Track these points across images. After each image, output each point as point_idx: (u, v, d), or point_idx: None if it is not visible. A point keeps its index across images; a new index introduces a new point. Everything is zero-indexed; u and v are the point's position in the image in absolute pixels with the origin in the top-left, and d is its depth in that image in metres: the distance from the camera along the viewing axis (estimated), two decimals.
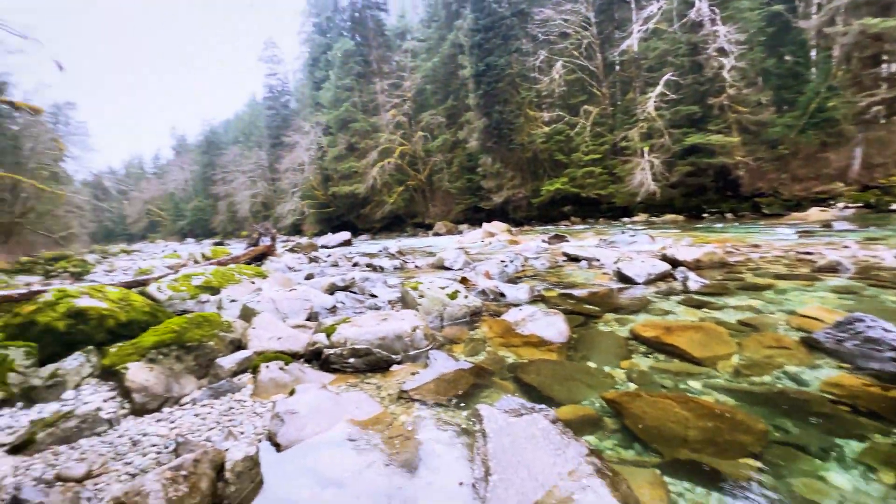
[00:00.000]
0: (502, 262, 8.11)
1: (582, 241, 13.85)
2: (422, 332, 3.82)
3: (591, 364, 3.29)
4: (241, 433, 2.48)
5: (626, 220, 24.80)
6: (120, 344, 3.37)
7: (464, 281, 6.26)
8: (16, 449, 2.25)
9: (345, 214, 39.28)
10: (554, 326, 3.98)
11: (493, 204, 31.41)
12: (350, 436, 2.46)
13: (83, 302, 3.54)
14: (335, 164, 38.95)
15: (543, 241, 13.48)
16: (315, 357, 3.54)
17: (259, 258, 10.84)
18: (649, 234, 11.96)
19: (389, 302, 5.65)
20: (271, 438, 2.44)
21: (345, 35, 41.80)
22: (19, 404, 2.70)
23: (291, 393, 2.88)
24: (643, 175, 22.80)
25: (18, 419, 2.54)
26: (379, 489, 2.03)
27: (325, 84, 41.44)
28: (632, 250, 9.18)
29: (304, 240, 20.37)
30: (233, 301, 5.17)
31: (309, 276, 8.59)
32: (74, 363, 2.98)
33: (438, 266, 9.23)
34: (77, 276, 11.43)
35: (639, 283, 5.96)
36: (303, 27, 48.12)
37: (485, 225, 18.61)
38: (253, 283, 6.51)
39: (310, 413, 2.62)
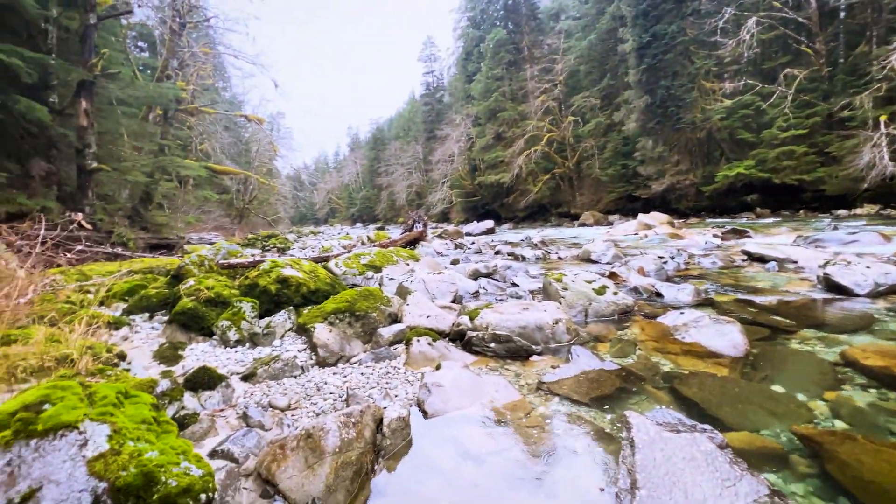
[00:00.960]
0: (660, 258, 7.23)
1: (770, 237, 11.32)
2: (564, 326, 3.70)
3: (778, 388, 2.70)
4: (396, 396, 2.81)
5: (841, 212, 19.20)
6: (309, 307, 4.16)
7: (613, 276, 5.80)
8: (244, 378, 3.01)
9: (489, 203, 40.30)
10: (726, 336, 3.39)
11: (651, 192, 27.98)
12: (489, 417, 2.56)
13: (287, 271, 4.47)
14: (482, 154, 40.10)
15: (716, 235, 11.49)
16: (459, 337, 3.76)
17: (412, 243, 11.96)
18: (880, 233, 9.03)
19: (531, 292, 5.61)
20: (420, 405, 2.70)
21: (497, 25, 42.20)
22: (247, 345, 3.59)
23: (438, 367, 3.14)
24: (875, 154, 17.20)
25: (246, 356, 3.38)
26: (515, 474, 2.07)
27: (477, 76, 42.69)
28: (849, 252, 7.11)
29: (450, 227, 21.68)
30: (391, 279, 5.84)
31: (455, 262, 9.10)
32: (280, 319, 3.81)
33: (584, 259, 8.73)
34: (282, 251, 14.52)
35: (859, 295, 4.60)
36: (458, 23, 50.33)
37: (640, 216, 16.75)
38: (407, 264, 7.24)
39: (453, 389, 2.81)
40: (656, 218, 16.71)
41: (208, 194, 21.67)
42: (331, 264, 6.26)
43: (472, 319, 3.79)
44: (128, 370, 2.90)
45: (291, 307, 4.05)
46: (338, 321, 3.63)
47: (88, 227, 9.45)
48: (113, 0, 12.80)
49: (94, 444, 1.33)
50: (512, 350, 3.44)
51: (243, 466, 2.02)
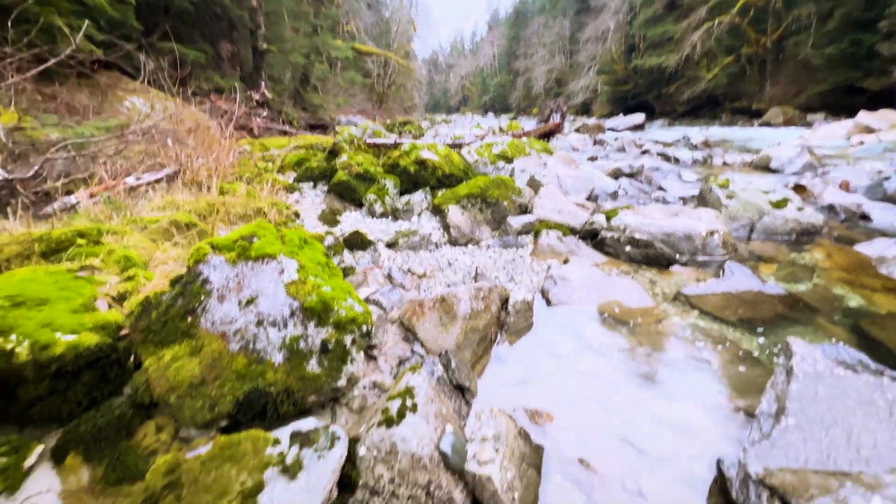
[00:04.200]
0: (879, 172, 5.50)
1: None
2: (719, 239, 3.22)
3: None
4: (521, 282, 2.91)
5: None
6: (443, 190, 4.34)
7: (799, 189, 4.68)
8: (388, 245, 3.41)
9: (643, 93, 34.23)
10: None
11: (887, 82, 20.36)
12: (616, 317, 2.50)
13: (424, 154, 4.64)
14: (645, 28, 32.96)
15: None
16: (590, 236, 3.59)
17: (547, 135, 11.17)
18: None
19: (681, 199, 4.91)
20: (544, 294, 2.76)
21: None
22: (389, 218, 4.00)
23: (565, 262, 3.10)
24: None
25: (389, 227, 3.79)
26: (637, 372, 2.06)
27: None
28: None
29: (591, 121, 19.42)
30: (522, 171, 5.66)
31: (592, 159, 8.33)
32: (418, 198, 4.08)
33: (760, 166, 7.14)
34: (416, 138, 15.09)
35: None
36: None
37: (861, 115, 12.55)
38: (540, 157, 6.87)
39: (580, 284, 2.78)
40: (886, 119, 12.32)
41: (354, 76, 22.80)
42: (463, 151, 6.28)
43: (608, 219, 3.53)
44: (301, 226, 3.51)
45: (428, 188, 4.28)
46: (470, 206, 3.74)
47: (265, 105, 10.95)
48: None
49: (288, 273, 1.69)
50: (650, 256, 3.18)
51: (389, 315, 2.39)
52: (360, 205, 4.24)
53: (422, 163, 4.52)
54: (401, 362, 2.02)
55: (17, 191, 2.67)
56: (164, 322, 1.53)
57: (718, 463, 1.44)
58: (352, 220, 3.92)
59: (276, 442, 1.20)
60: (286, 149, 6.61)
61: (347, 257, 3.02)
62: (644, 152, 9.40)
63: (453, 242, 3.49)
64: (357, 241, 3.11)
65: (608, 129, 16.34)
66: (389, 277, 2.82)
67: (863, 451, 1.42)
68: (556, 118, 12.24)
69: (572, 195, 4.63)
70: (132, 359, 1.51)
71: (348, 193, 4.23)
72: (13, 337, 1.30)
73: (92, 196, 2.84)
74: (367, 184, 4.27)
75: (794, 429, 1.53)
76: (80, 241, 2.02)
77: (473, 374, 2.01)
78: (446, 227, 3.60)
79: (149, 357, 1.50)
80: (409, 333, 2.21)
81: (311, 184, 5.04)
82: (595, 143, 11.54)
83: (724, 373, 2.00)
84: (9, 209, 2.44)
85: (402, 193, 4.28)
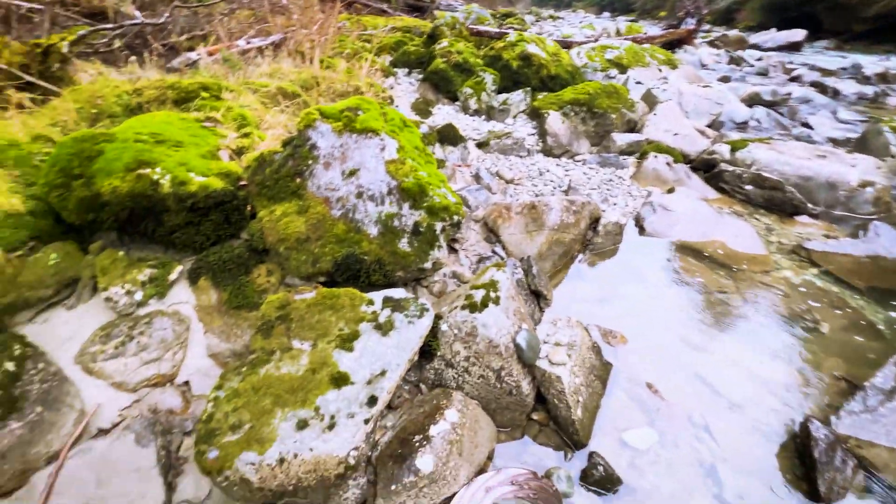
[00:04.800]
0: None
1: None
2: (873, 193, 2.67)
3: None
4: (615, 204, 2.70)
5: None
6: (545, 93, 3.96)
7: None
8: (479, 145, 3.28)
9: (807, 2, 27.07)
10: None
11: None
12: (716, 259, 2.28)
13: (531, 48, 4.17)
14: None
15: None
16: (705, 168, 3.16)
17: (673, 45, 9.47)
18: None
19: (830, 139, 4.06)
20: (638, 221, 2.56)
21: None
22: (483, 117, 3.79)
23: (670, 191, 2.80)
24: None
25: (482, 126, 3.61)
26: (727, 319, 1.91)
27: None
28: None
29: (732, 32, 15.99)
30: (638, 83, 4.95)
31: (724, 79, 7.04)
32: (517, 98, 3.78)
33: None
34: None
35: None
36: None
37: None
38: (660, 70, 5.92)
39: (682, 216, 2.53)
40: None
41: None
42: (572, 53, 5.56)
43: (733, 150, 3.05)
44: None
45: (528, 89, 3.93)
46: (572, 114, 3.40)
47: None
48: None
49: (389, 151, 1.69)
50: (774, 200, 2.75)
51: (473, 213, 2.38)
52: (454, 98, 4.04)
53: (526, 58, 4.09)
54: (480, 260, 2.05)
55: (149, 41, 2.86)
56: (276, 179, 1.64)
57: (806, 421, 1.36)
58: (444, 114, 3.78)
59: (370, 302, 1.30)
60: (383, 29, 6.30)
61: (438, 151, 2.96)
62: (793, 79, 7.72)
63: (547, 152, 3.27)
64: (449, 135, 3.01)
65: (751, 46, 13.43)
66: (477, 177, 2.76)
67: None
68: (689, 24, 10.24)
69: (692, 118, 4.02)
70: (249, 208, 1.67)
71: (444, 84, 4.02)
72: (158, 170, 1.47)
73: (210, 54, 2.97)
74: (465, 76, 4.00)
75: None
76: (203, 94, 2.15)
77: (550, 284, 1.99)
78: (542, 134, 3.35)
79: (262, 209, 1.64)
80: (492, 235, 2.21)
81: (406, 70, 4.84)
82: (731, 61, 9.65)
83: (835, 338, 1.79)
84: (145, 56, 2.64)
85: (499, 91, 3.98)
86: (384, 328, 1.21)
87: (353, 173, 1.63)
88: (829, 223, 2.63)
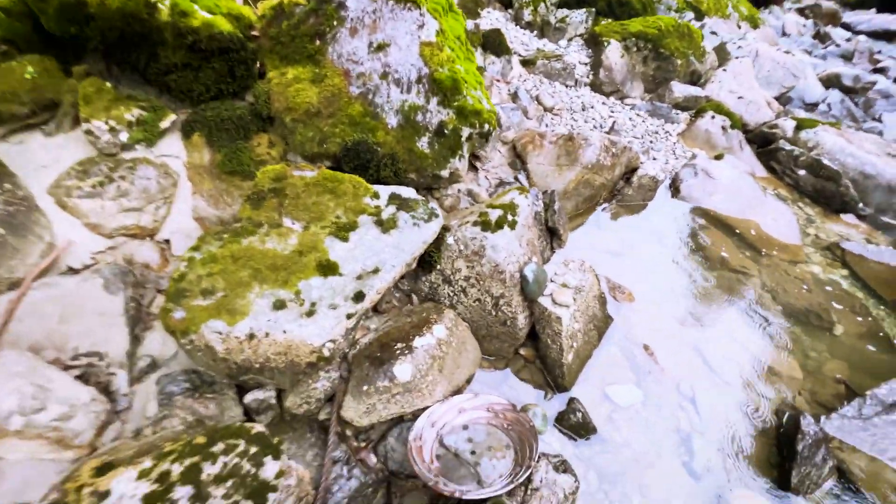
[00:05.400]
0: None
1: None
2: None
3: None
4: (654, 159, 2.47)
5: None
6: (608, 20, 3.49)
7: None
8: (524, 62, 2.93)
9: None
10: None
11: None
12: (747, 237, 2.12)
13: None
14: None
15: None
16: (761, 141, 2.87)
17: (759, 1, 8.38)
18: None
19: None
20: (674, 182, 2.35)
21: None
22: (535, 32, 3.37)
23: (718, 157, 2.55)
24: None
25: (531, 42, 3.21)
26: (742, 300, 1.80)
27: None
28: None
29: (827, 4, 14.17)
30: (713, 33, 4.39)
31: (805, 52, 6.32)
32: (578, 18, 3.32)
33: None
34: None
35: None
36: None
37: None
38: (739, 27, 5.28)
39: (723, 186, 2.32)
40: None
41: None
42: None
43: (798, 129, 2.75)
44: None
45: (592, 10, 3.45)
46: (635, 49, 3.01)
47: None
48: None
49: (427, 31, 1.44)
50: (824, 192, 2.53)
51: (503, 134, 2.16)
52: (507, 5, 3.56)
53: None
54: (500, 184, 1.88)
55: None
56: (292, 37, 1.41)
57: (798, 414, 1.30)
58: (492, 20, 3.34)
59: (376, 195, 1.17)
60: None
61: (478, 57, 2.64)
62: (877, 70, 6.94)
63: (596, 87, 2.94)
64: (494, 43, 2.67)
65: (842, 25, 11.97)
66: (514, 96, 2.49)
67: None
68: None
69: (763, 87, 3.60)
70: (257, 66, 1.46)
71: None
72: None
73: None
74: None
75: None
76: None
77: (568, 226, 1.85)
78: (596, 66, 2.99)
79: (272, 70, 1.43)
80: (518, 160, 2.01)
81: None
82: (816, 35, 8.62)
83: (846, 342, 1.71)
84: None
85: (560, 6, 3.50)
86: (386, 225, 1.08)
87: (381, 48, 1.40)
88: (873, 228, 2.44)
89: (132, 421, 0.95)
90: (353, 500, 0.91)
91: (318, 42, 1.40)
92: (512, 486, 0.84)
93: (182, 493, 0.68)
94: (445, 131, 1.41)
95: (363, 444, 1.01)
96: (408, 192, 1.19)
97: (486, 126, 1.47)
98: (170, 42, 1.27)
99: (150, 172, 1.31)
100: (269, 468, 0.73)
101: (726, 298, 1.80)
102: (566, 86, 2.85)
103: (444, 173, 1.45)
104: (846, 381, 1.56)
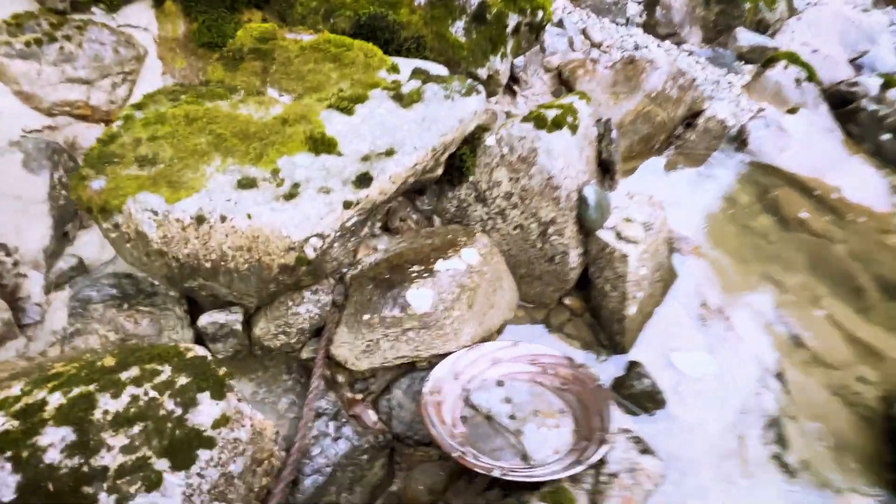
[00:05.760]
0: None
1: None
2: None
3: None
4: (715, 109, 2.11)
5: None
6: None
7: None
8: None
9: None
10: None
11: None
12: (828, 200, 1.79)
13: None
14: None
15: None
16: (837, 101, 2.48)
17: None
18: None
19: None
20: (741, 133, 2.00)
21: None
22: None
23: (792, 111, 2.18)
24: None
25: None
26: (823, 266, 1.49)
27: None
28: None
29: None
30: None
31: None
32: None
33: None
34: None
35: None
36: None
37: None
38: None
39: (798, 142, 1.97)
40: None
41: None
42: None
43: (885, 87, 2.36)
44: None
45: None
46: None
47: None
48: None
49: None
50: None
51: (546, 59, 1.82)
52: None
53: None
54: None
55: None
56: None
57: None
58: None
59: (394, 69, 0.86)
60: None
61: None
62: None
63: (650, 27, 2.55)
64: None
65: None
66: (560, 24, 2.13)
67: None
68: None
69: (837, 43, 3.16)
70: None
71: None
72: None
73: None
74: None
75: None
76: None
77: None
78: (651, 4, 2.59)
79: None
80: (565, 88, 1.68)
81: None
82: (890, 1, 7.95)
83: None
84: None
85: None
86: (406, 99, 0.78)
87: None
88: None
89: (41, 338, 0.68)
90: (340, 468, 0.64)
91: None
92: (580, 467, 0.56)
93: (54, 436, 0.41)
94: (487, 16, 1.09)
95: (359, 396, 0.73)
96: (438, 69, 0.89)
97: (540, 14, 1.14)
98: None
99: (105, 37, 1.01)
100: (204, 411, 0.45)
101: (808, 263, 1.49)
102: (617, 23, 2.47)
103: (482, 72, 1.13)
104: None
